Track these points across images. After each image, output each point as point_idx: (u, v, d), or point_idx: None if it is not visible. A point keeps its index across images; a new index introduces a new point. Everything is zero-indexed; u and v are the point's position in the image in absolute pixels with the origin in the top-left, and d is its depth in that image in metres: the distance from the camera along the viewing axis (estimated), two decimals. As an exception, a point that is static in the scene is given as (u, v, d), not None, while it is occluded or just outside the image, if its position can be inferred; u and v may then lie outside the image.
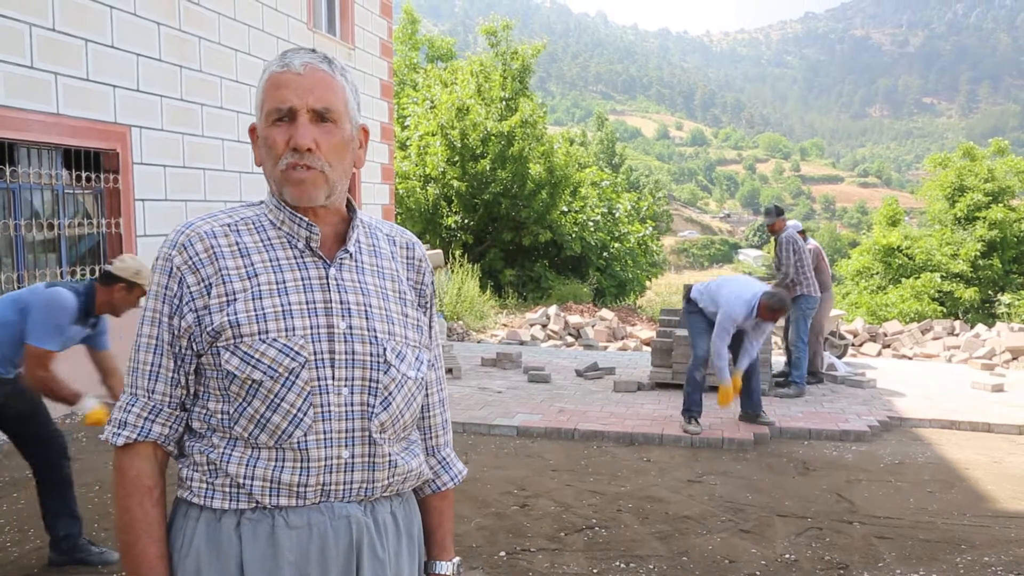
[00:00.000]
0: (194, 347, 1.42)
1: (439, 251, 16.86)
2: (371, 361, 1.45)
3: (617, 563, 4.11)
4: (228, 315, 1.38)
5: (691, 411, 6.55)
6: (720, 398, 6.46)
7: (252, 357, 1.38)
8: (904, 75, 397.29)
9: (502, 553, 4.20)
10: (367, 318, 1.46)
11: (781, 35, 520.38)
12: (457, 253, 18.11)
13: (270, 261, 1.44)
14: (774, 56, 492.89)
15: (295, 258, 1.45)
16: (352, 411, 1.43)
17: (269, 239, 1.45)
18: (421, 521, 1.64)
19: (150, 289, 1.44)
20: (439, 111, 20.34)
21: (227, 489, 1.40)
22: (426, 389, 1.62)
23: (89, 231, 7.37)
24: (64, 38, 6.82)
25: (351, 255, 1.49)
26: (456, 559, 1.68)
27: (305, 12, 10.73)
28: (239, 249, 1.43)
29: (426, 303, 1.61)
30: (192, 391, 1.45)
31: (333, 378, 1.42)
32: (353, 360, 1.44)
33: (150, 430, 1.42)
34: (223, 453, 1.41)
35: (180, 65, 8.26)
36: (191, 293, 1.40)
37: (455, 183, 19.92)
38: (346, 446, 1.43)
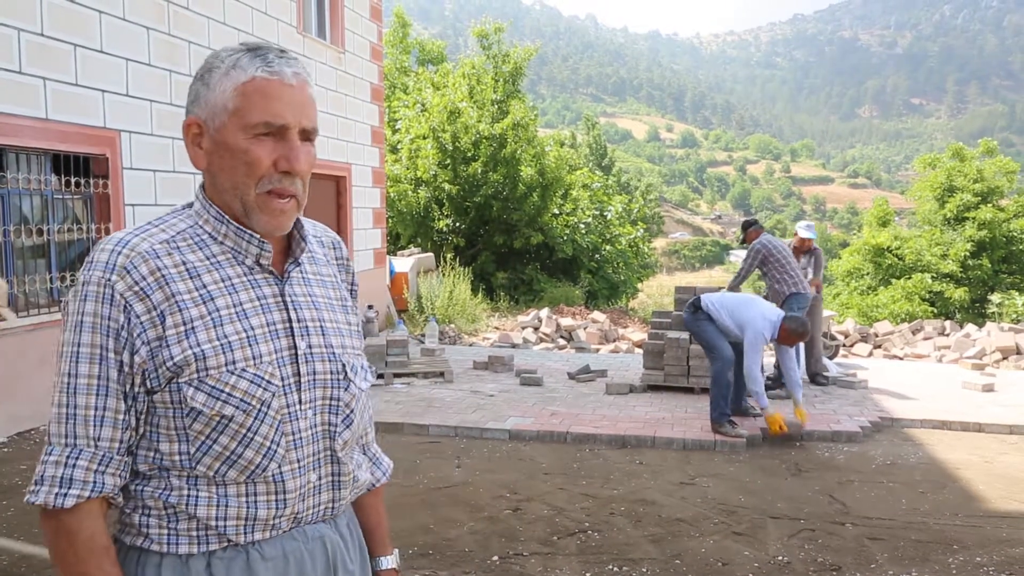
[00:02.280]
0: (147, 384, 1.26)
1: (430, 254, 16.87)
2: (331, 379, 1.39)
3: (610, 566, 4.11)
4: (191, 347, 1.25)
5: (726, 414, 6.52)
6: (772, 427, 6.37)
7: (222, 392, 1.26)
8: (893, 76, 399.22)
9: (495, 557, 4.20)
10: (323, 334, 1.39)
11: (770, 37, 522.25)
12: (448, 256, 18.09)
13: (222, 281, 1.31)
14: (763, 58, 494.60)
15: (245, 275, 1.33)
16: (316, 433, 1.37)
17: (214, 255, 1.32)
18: (359, 522, 1.60)
19: (76, 319, 1.25)
20: (431, 114, 20.33)
21: (194, 533, 1.28)
22: None
23: (79, 237, 7.33)
24: (53, 43, 6.79)
25: (299, 267, 1.41)
26: (395, 550, 1.65)
27: (295, 16, 10.72)
28: (187, 269, 1.29)
29: (353, 302, 1.55)
30: (140, 432, 1.29)
31: (300, 402, 1.34)
32: (315, 380, 1.36)
33: (103, 484, 1.24)
34: (187, 496, 1.28)
35: (170, 69, 8.24)
36: (142, 323, 1.24)
37: (446, 186, 19.92)
38: (314, 469, 1.37)
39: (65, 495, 1.22)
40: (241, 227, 1.32)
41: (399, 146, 21.12)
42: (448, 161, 20.17)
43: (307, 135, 1.32)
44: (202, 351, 1.25)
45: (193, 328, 1.26)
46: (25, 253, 6.83)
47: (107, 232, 7.50)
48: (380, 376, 8.43)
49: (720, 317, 6.63)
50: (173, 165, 8.34)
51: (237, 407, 1.27)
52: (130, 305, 1.24)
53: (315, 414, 1.37)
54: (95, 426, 1.24)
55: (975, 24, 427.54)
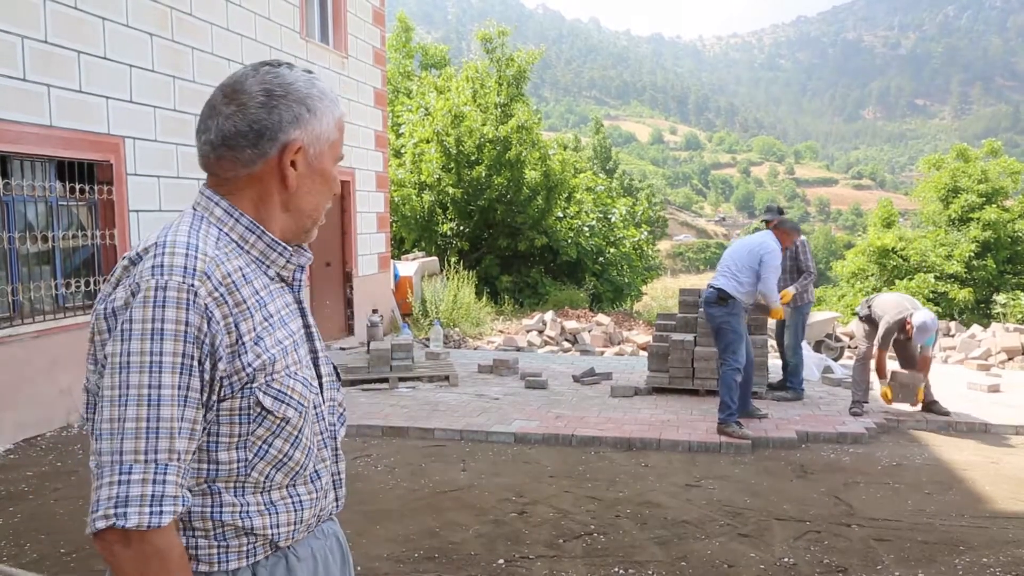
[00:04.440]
0: (222, 393, 1.25)
1: (435, 258, 16.86)
2: (332, 381, 1.48)
3: (616, 569, 4.10)
4: (264, 351, 1.28)
5: (733, 415, 6.52)
6: (775, 314, 7.12)
7: (285, 394, 1.30)
8: (896, 77, 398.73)
9: (501, 561, 4.19)
10: (319, 340, 1.49)
11: (773, 39, 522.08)
12: (453, 260, 18.08)
13: (265, 288, 1.35)
14: (767, 60, 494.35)
15: (270, 283, 1.39)
16: (328, 434, 1.45)
17: (247, 263, 1.35)
18: None
19: (153, 327, 1.18)
20: (434, 118, 20.34)
21: (244, 548, 1.30)
22: None
23: (83, 243, 7.35)
24: (56, 50, 6.81)
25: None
26: None
27: (298, 21, 10.74)
28: (243, 275, 1.31)
29: None
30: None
31: (323, 403, 1.43)
32: (325, 383, 1.46)
33: (186, 497, 1.21)
34: (239, 511, 1.29)
35: (173, 76, 8.26)
36: (221, 331, 1.24)
37: (450, 190, 19.92)
38: (328, 468, 1.45)
39: (161, 513, 1.16)
40: (274, 238, 1.38)
41: (403, 150, 21.13)
42: (452, 165, 20.17)
43: None
44: (272, 356, 1.29)
45: (259, 334, 1.29)
46: (30, 260, 6.85)
47: (112, 238, 7.52)
48: (385, 380, 8.44)
49: (748, 284, 6.71)
50: (177, 171, 8.36)
51: (296, 409, 1.32)
52: (210, 311, 1.22)
53: (327, 415, 1.45)
54: (174, 438, 1.18)
55: (979, 25, 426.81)
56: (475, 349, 12.54)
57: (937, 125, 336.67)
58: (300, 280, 1.46)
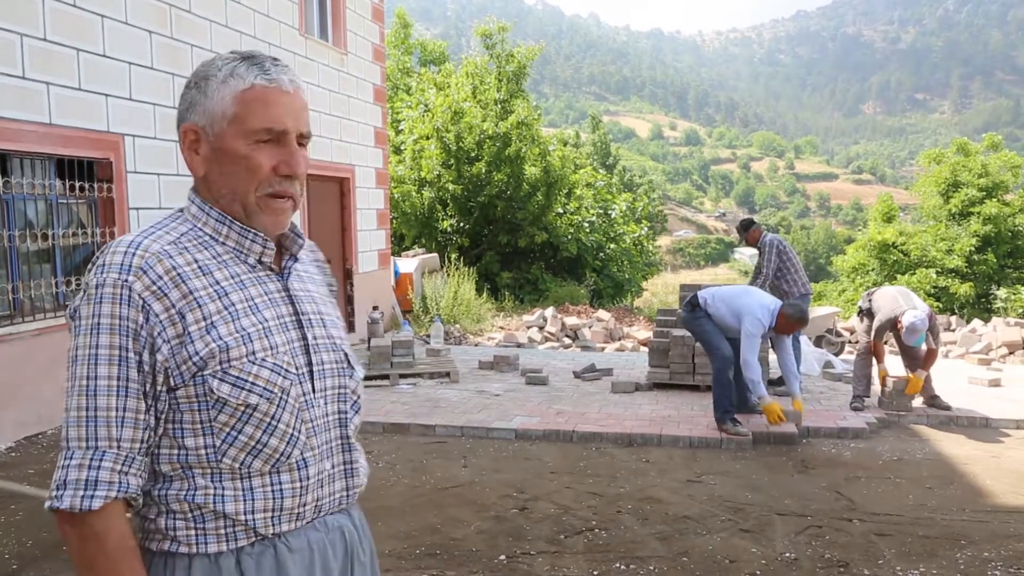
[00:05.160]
0: (171, 382, 1.28)
1: (435, 255, 16.85)
2: (338, 368, 1.46)
3: (617, 564, 4.11)
4: (214, 340, 1.29)
5: (729, 412, 6.50)
6: (770, 417, 6.28)
7: (246, 381, 1.30)
8: (896, 72, 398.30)
9: (502, 556, 4.20)
10: (324, 326, 1.46)
11: (773, 34, 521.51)
12: (453, 256, 18.09)
13: (232, 277, 1.35)
14: (767, 55, 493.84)
15: (249, 272, 1.39)
16: (329, 421, 1.43)
17: (219, 254, 1.36)
18: None
19: (92, 322, 1.25)
20: (434, 114, 20.33)
21: (222, 531, 1.31)
22: None
23: (84, 241, 7.35)
24: (56, 48, 6.81)
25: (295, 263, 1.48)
26: None
27: (297, 18, 10.73)
28: (199, 267, 1.32)
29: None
30: (159, 432, 1.30)
31: (314, 391, 1.40)
32: (324, 370, 1.43)
33: (127, 484, 1.25)
34: (213, 495, 1.30)
35: (172, 73, 8.25)
36: (161, 322, 1.26)
37: (450, 186, 19.91)
38: (327, 457, 1.42)
39: (92, 497, 1.22)
40: (245, 227, 1.38)
41: (402, 147, 21.11)
42: (452, 161, 20.16)
43: (303, 140, 1.40)
44: (225, 343, 1.29)
45: (213, 323, 1.30)
46: (30, 258, 6.85)
47: (112, 236, 7.51)
48: (386, 377, 8.44)
49: (718, 311, 6.60)
50: (176, 168, 8.36)
51: (261, 395, 1.31)
52: (148, 304, 1.26)
53: (326, 403, 1.43)
54: (117, 427, 1.24)
55: (979, 19, 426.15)
56: (476, 345, 12.54)
57: (937, 120, 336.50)
58: (290, 268, 1.45)
